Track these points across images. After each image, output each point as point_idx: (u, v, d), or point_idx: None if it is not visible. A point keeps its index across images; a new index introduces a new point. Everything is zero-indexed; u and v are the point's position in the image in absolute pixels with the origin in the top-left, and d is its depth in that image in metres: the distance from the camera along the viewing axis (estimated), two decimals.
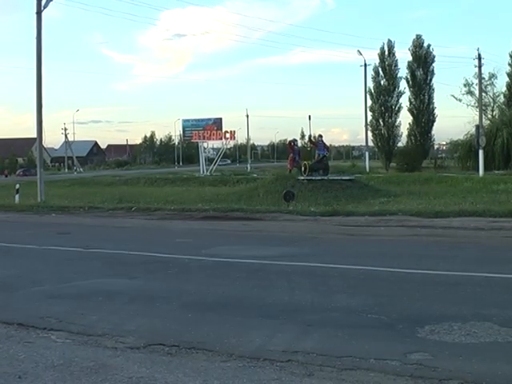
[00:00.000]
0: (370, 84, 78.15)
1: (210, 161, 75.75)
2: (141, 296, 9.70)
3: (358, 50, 70.56)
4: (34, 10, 31.22)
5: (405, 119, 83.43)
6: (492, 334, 7.05)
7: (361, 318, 7.94)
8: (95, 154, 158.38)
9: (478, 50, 54.07)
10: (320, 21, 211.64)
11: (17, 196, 30.61)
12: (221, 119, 73.97)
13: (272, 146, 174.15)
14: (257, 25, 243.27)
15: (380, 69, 79.82)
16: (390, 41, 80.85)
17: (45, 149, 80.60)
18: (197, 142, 75.54)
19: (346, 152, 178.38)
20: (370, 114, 76.71)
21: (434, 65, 79.22)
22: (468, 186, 35.09)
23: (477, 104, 63.85)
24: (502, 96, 75.84)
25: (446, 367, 6.03)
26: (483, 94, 66.57)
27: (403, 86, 79.96)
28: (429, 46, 79.26)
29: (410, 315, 7.98)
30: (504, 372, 5.87)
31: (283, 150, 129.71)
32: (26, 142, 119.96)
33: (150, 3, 79.43)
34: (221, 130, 71.15)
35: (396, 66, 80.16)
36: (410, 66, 79.11)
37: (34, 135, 35.16)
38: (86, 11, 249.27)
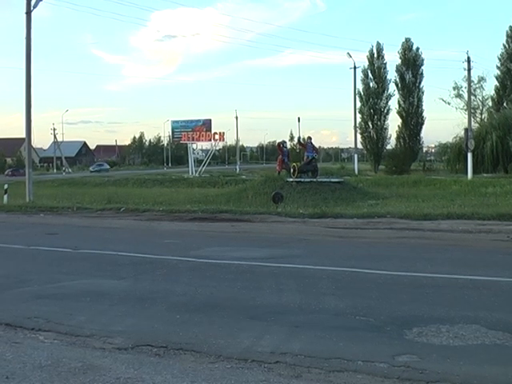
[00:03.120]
0: (360, 86, 78.51)
1: (198, 162, 75.79)
2: (129, 297, 9.69)
3: (348, 53, 70.99)
4: (24, 10, 31.15)
5: (394, 122, 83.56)
6: (479, 336, 7.08)
7: (349, 320, 7.96)
8: (84, 154, 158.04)
9: (467, 53, 54.24)
10: (310, 23, 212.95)
11: (5, 196, 30.49)
12: (210, 120, 74.05)
13: (261, 148, 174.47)
14: (247, 26, 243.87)
15: (369, 71, 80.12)
16: (379, 43, 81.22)
17: (34, 149, 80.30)
18: (186, 144, 75.61)
19: (334, 154, 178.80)
20: (359, 116, 77.20)
21: (423, 68, 79.73)
22: (456, 189, 35.21)
23: (466, 107, 64.14)
24: (490, 99, 76.21)
25: (433, 369, 6.05)
26: (472, 97, 66.98)
27: (392, 88, 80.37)
28: (417, 49, 79.80)
29: (398, 317, 8.00)
30: (491, 374, 5.90)
31: (272, 152, 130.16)
32: (15, 142, 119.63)
33: (141, 4, 79.64)
34: (210, 131, 71.34)
35: (385, 68, 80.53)
36: (398, 69, 79.45)
37: (23, 135, 35.03)
38: (77, 11, 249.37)
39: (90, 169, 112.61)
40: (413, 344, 6.89)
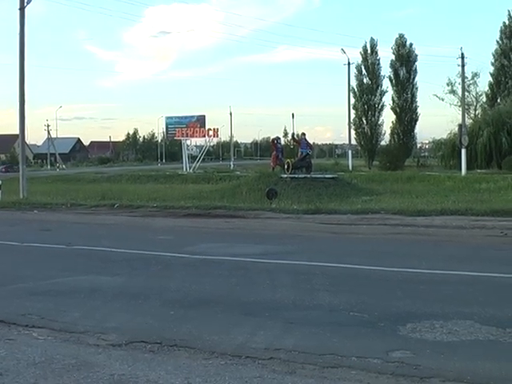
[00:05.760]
0: (354, 82, 78.41)
1: (193, 158, 75.64)
2: (123, 293, 9.68)
3: (342, 49, 70.78)
4: (17, 6, 31.01)
5: (388, 118, 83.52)
6: (473, 332, 7.09)
7: (343, 316, 7.96)
8: (78, 150, 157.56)
9: (461, 49, 54.27)
10: (305, 19, 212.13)
11: None
12: (204, 116, 73.78)
13: (255, 144, 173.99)
14: (241, 23, 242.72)
15: (363, 67, 79.94)
16: (372, 39, 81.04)
17: (27, 145, 79.99)
18: (180, 140, 75.46)
19: (329, 150, 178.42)
20: (353, 112, 76.96)
21: (416, 64, 79.53)
22: (450, 185, 35.23)
23: (460, 103, 64.05)
24: (484, 95, 76.20)
25: (427, 365, 6.05)
26: (466, 94, 66.93)
27: (386, 84, 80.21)
28: (411, 45, 79.53)
29: (392, 313, 8.01)
30: (485, 370, 5.90)
31: (266, 148, 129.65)
32: (9, 139, 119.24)
33: (135, 0, 79.24)
34: (204, 127, 71.05)
35: (379, 64, 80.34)
36: (392, 65, 79.29)
37: (17, 131, 34.93)
38: (70, 7, 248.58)
39: None
40: (407, 340, 6.90)
